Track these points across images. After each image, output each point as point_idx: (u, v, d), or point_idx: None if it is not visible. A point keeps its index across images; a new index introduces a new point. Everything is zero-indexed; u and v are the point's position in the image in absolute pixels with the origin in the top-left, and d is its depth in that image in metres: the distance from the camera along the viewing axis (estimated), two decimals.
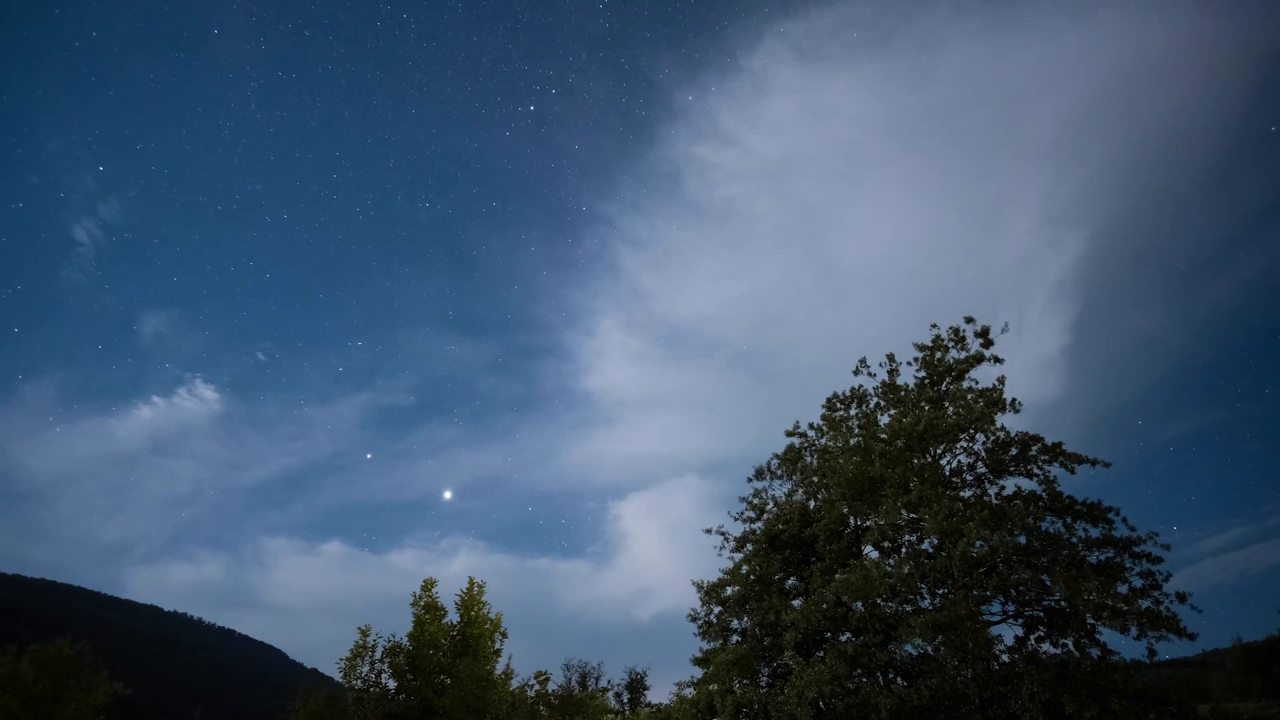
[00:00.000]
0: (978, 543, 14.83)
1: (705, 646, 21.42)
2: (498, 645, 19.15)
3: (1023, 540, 16.05)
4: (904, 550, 18.13)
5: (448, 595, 19.26)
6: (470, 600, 19.22)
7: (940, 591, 16.29)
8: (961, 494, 17.34)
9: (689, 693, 20.95)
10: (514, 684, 19.23)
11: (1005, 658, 16.06)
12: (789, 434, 21.76)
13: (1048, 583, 15.65)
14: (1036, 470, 17.29)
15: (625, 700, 41.07)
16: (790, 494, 22.18)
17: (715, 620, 21.55)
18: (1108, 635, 15.38)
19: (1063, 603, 15.61)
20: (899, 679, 17.28)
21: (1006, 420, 17.61)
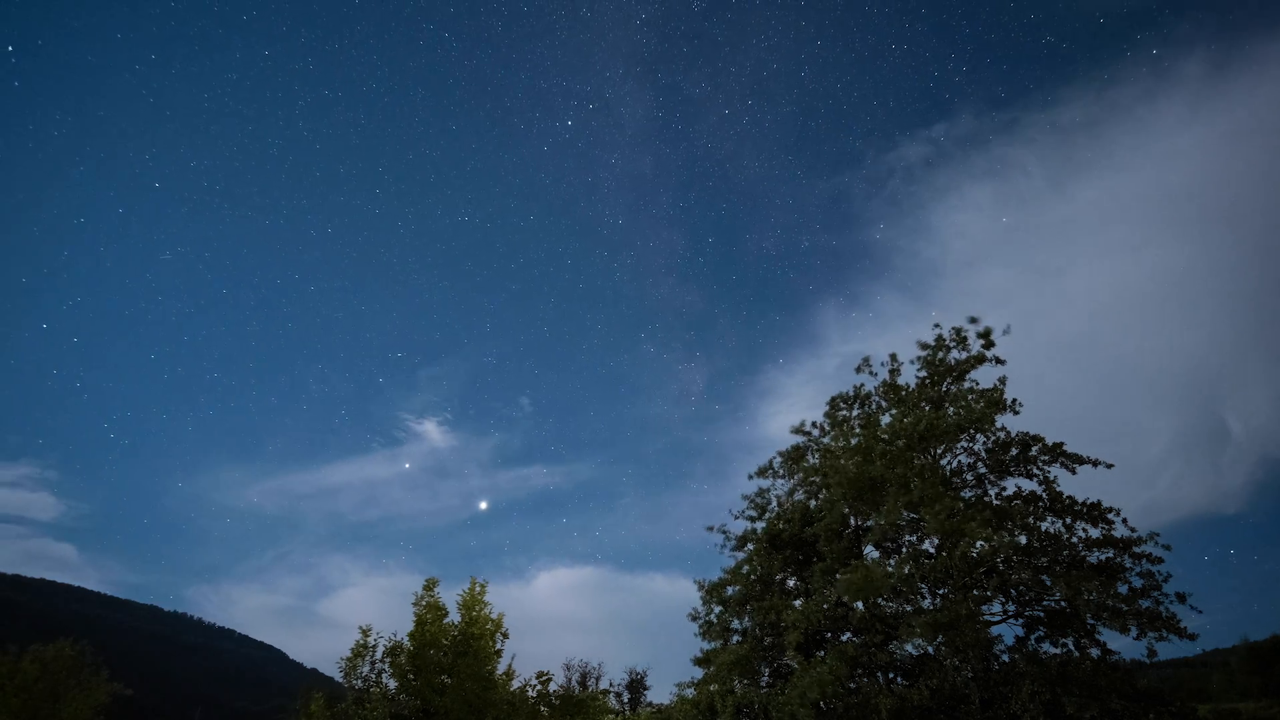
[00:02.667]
0: (978, 543, 14.87)
1: (706, 647, 21.43)
2: (499, 645, 19.15)
3: (1023, 540, 16.09)
4: (904, 550, 18.16)
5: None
6: (472, 600, 19.23)
7: (940, 591, 16.32)
8: (962, 494, 17.38)
9: (689, 693, 20.96)
10: (514, 684, 19.24)
11: (1006, 658, 16.10)
12: (794, 431, 21.72)
13: (1048, 583, 15.69)
14: (1037, 470, 17.34)
15: (625, 700, 41.08)
16: (791, 493, 22.16)
17: (716, 620, 21.55)
18: (1108, 635, 15.45)
19: (1063, 603, 15.65)
20: (899, 679, 17.30)
21: (1006, 420, 17.68)
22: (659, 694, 41.43)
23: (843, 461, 17.87)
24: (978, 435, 17.68)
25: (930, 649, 16.21)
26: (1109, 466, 16.82)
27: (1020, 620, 16.48)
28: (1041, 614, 16.24)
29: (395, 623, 18.31)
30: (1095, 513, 16.28)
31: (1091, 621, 15.32)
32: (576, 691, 27.35)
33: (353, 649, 18.10)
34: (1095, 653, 15.21)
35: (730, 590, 21.27)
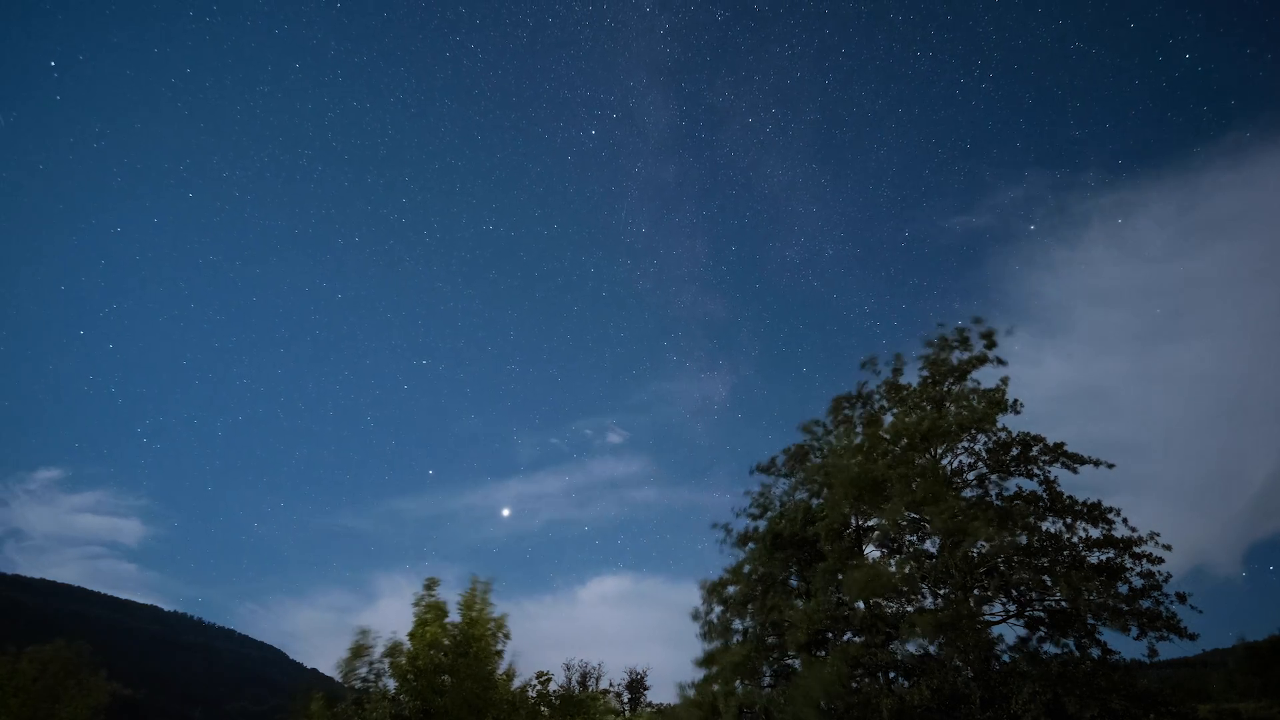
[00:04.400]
0: (980, 543, 14.87)
1: (707, 647, 21.41)
2: (499, 646, 19.12)
3: (1024, 540, 16.09)
4: (906, 550, 18.15)
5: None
6: (472, 600, 19.19)
7: (942, 591, 16.31)
8: (963, 494, 17.36)
9: (691, 693, 20.94)
10: (515, 684, 19.20)
11: (1006, 658, 16.09)
12: (801, 428, 21.70)
13: (1049, 583, 15.68)
14: (1037, 471, 17.33)
15: (626, 700, 41.08)
16: (792, 491, 22.11)
17: (717, 620, 21.52)
18: (1108, 635, 15.44)
19: (1064, 603, 15.64)
20: (900, 679, 17.29)
21: (1007, 420, 17.67)
22: (658, 694, 41.48)
23: (845, 460, 17.86)
24: (979, 435, 17.67)
25: (931, 649, 16.21)
26: (1110, 466, 16.80)
27: (1021, 620, 16.48)
28: (1042, 614, 16.23)
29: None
30: (1096, 513, 16.27)
31: (1092, 621, 15.31)
32: (576, 692, 27.32)
33: (351, 649, 18.06)
34: (1096, 653, 15.20)
35: (731, 590, 21.25)
